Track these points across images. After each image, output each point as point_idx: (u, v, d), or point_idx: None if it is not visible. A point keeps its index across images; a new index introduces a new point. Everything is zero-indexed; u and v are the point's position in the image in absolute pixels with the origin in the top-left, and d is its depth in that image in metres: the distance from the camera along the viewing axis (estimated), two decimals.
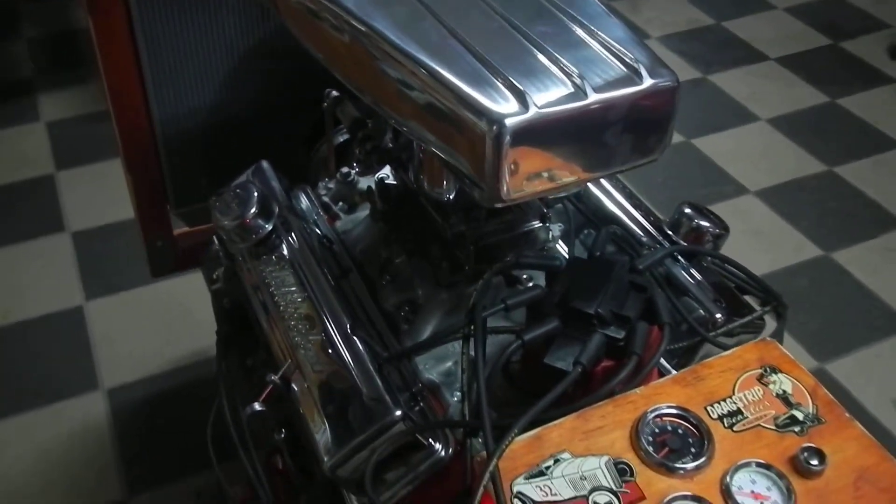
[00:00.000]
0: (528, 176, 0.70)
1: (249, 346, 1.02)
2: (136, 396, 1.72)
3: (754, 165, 2.34)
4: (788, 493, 0.66)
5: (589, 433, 0.70)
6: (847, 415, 0.73)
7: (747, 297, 0.96)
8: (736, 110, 2.54)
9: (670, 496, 0.65)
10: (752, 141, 2.44)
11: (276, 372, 0.84)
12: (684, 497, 0.65)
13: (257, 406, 0.83)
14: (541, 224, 0.91)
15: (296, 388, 0.84)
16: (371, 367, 0.82)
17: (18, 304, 1.90)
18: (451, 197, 0.91)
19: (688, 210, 0.98)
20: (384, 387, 0.80)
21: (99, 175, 2.22)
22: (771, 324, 0.93)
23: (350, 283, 0.95)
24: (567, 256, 0.94)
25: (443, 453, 0.76)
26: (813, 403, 0.73)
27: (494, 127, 0.68)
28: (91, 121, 2.38)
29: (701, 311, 0.91)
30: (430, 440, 0.77)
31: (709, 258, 0.91)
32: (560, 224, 0.99)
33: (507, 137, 0.68)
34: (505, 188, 0.70)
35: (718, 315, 0.90)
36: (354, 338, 0.85)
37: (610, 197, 1.02)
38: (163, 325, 1.84)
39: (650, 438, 0.70)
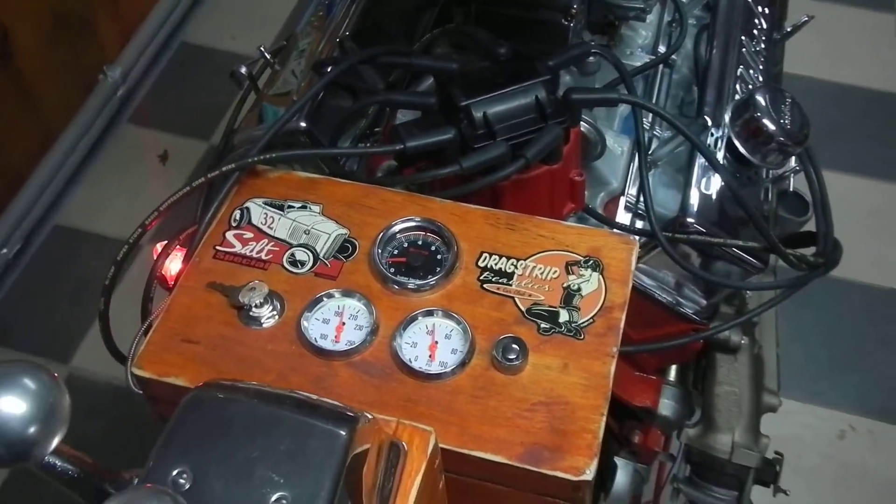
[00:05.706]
0: None
1: None
2: None
3: None
4: (463, 364, 0.56)
5: (357, 206, 0.65)
6: (614, 350, 0.57)
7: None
8: None
9: (342, 290, 0.60)
10: None
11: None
12: (330, 296, 0.59)
13: (242, 69, 0.89)
14: (563, 19, 0.79)
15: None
16: (314, 76, 0.82)
17: None
18: None
19: (759, 98, 0.75)
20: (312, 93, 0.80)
21: None
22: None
23: (427, 13, 0.93)
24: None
25: None
26: (593, 318, 0.59)
27: None
28: None
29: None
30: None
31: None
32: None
33: None
34: None
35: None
36: (340, 43, 0.84)
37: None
38: None
39: (400, 243, 0.63)
